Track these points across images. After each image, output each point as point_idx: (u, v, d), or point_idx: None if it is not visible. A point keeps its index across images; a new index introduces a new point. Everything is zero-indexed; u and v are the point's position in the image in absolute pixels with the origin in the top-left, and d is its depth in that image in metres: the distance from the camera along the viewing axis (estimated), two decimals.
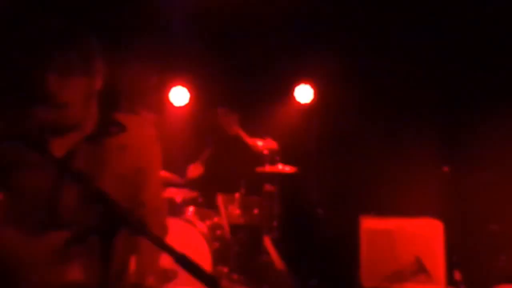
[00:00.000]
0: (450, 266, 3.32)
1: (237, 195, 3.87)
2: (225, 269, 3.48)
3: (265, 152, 4.08)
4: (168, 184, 4.08)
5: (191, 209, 3.73)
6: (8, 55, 1.14)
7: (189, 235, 3.34)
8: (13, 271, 1.13)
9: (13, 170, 1.19)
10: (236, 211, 3.85)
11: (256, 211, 3.97)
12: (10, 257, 1.14)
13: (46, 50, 1.12)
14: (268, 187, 4.03)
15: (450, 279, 3.31)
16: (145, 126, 1.41)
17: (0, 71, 1.16)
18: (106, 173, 1.25)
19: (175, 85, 5.22)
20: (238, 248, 3.74)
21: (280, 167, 3.96)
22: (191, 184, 4.28)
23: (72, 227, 1.16)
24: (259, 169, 4.00)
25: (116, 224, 0.93)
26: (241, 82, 4.95)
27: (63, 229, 1.15)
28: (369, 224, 3.49)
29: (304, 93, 5.04)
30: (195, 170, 4.28)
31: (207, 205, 3.96)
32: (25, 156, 1.17)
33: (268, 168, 3.89)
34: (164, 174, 3.45)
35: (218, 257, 3.40)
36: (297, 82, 5.06)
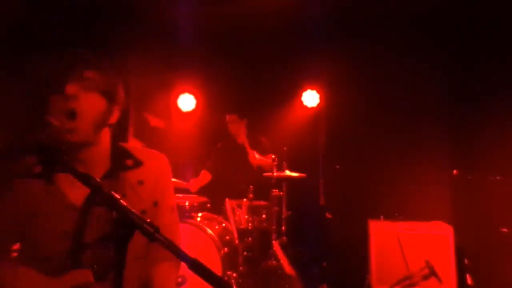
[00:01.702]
0: (462, 270, 3.29)
1: (245, 200, 3.87)
2: (234, 274, 3.48)
3: (264, 167, 4.11)
4: (177, 190, 4.11)
5: (199, 214, 3.74)
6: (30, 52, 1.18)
7: (198, 241, 3.35)
8: None
9: (36, 217, 1.21)
10: (244, 216, 3.85)
11: (264, 216, 3.97)
12: None
13: (67, 59, 1.16)
14: (276, 192, 4.03)
15: (461, 283, 3.28)
16: (160, 159, 1.42)
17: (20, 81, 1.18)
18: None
19: (182, 92, 5.26)
20: (247, 253, 3.73)
21: (288, 172, 3.96)
22: (199, 190, 4.30)
23: (92, 266, 1.18)
24: (267, 174, 4.00)
25: (129, 229, 0.94)
26: (249, 88, 4.98)
27: (85, 267, 1.18)
28: (379, 228, 3.48)
29: (310, 98, 5.05)
30: (199, 182, 4.32)
31: (215, 211, 3.97)
32: (49, 203, 1.20)
33: (275, 173, 3.89)
34: (173, 179, 3.47)
35: (227, 262, 3.40)
36: (304, 87, 5.08)
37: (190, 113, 5.30)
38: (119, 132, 1.39)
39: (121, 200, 0.98)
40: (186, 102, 5.26)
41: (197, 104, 5.29)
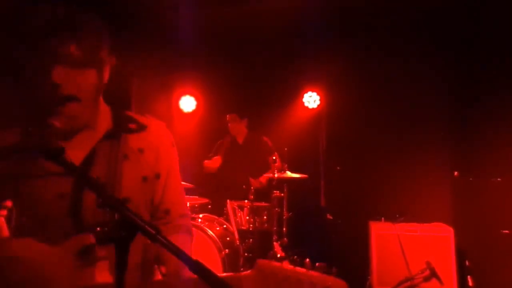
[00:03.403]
0: (463, 272, 3.29)
1: (246, 201, 3.87)
2: None
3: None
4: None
5: (200, 216, 3.74)
6: (11, 47, 1.10)
7: (199, 242, 3.35)
8: (40, 279, 1.09)
9: (31, 178, 1.17)
10: (245, 217, 3.86)
11: (265, 217, 3.97)
12: (35, 267, 1.10)
13: (51, 40, 1.07)
14: (276, 193, 4.03)
15: (462, 285, 3.28)
16: (163, 129, 1.37)
17: (6, 70, 1.14)
18: (127, 175, 1.23)
19: (183, 94, 5.27)
20: (247, 254, 3.73)
21: (289, 173, 3.96)
22: (200, 192, 4.31)
23: (94, 229, 1.14)
24: (268, 175, 4.01)
25: (131, 231, 0.94)
26: (250, 90, 4.99)
27: (86, 232, 1.13)
28: (379, 229, 3.48)
29: (311, 99, 5.07)
30: (214, 163, 4.31)
31: (216, 212, 3.97)
32: (43, 164, 1.15)
33: (276, 175, 3.89)
34: None
35: (228, 263, 3.40)
36: (305, 89, 5.09)
37: (191, 114, 5.32)
38: (122, 100, 1.35)
39: (120, 200, 0.98)
40: (187, 103, 5.27)
41: (198, 106, 5.30)
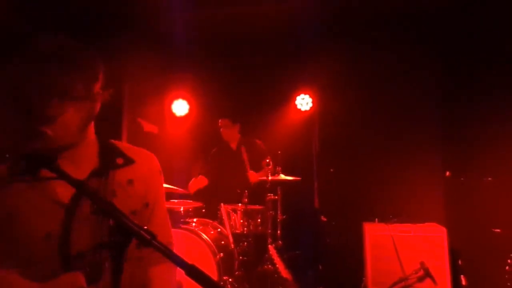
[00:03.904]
0: (456, 271, 3.32)
1: (240, 205, 3.87)
2: (230, 279, 3.48)
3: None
4: (171, 195, 4.10)
5: (195, 220, 3.73)
6: (11, 77, 1.09)
7: (194, 246, 3.34)
8: None
9: (18, 216, 1.14)
10: (239, 220, 3.86)
11: (259, 220, 3.97)
12: None
13: (50, 74, 1.08)
14: (270, 196, 4.04)
15: (455, 284, 3.30)
16: (150, 159, 1.36)
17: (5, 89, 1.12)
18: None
19: (176, 97, 5.26)
20: (242, 258, 3.73)
21: (282, 176, 3.97)
22: (194, 195, 4.30)
23: (84, 268, 1.13)
24: (262, 178, 4.01)
25: (126, 237, 0.94)
26: (243, 93, 5.00)
27: (75, 271, 1.13)
28: (373, 230, 3.49)
29: (304, 102, 5.09)
30: (198, 183, 4.30)
31: (210, 216, 3.96)
32: (32, 201, 1.14)
33: (270, 178, 3.90)
34: (166, 185, 3.47)
35: (223, 267, 3.39)
36: (297, 91, 5.11)
37: (183, 118, 5.31)
38: (112, 137, 1.36)
39: (116, 206, 0.98)
40: (180, 107, 5.27)
41: (190, 109, 5.30)
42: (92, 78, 1.15)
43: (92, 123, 1.24)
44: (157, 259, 1.30)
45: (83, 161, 1.22)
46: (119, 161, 1.27)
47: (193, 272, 0.90)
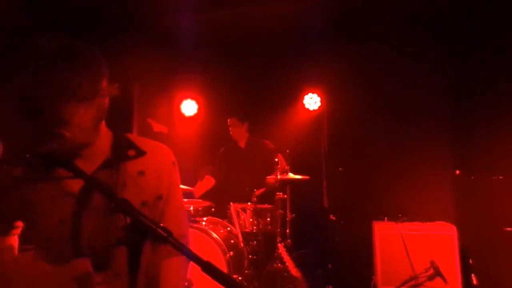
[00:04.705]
0: (466, 270, 3.31)
1: (249, 204, 3.89)
2: (240, 278, 3.50)
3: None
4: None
5: (204, 219, 3.76)
6: (16, 81, 1.11)
7: (204, 245, 3.37)
8: None
9: (37, 204, 1.21)
10: (249, 219, 3.87)
11: (268, 219, 3.99)
12: (35, 285, 1.16)
13: (51, 72, 1.08)
14: (279, 195, 4.05)
15: (466, 283, 3.29)
16: (163, 150, 1.38)
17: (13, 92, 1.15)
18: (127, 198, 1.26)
19: (185, 98, 5.30)
20: (252, 257, 3.75)
21: (291, 174, 3.98)
22: (203, 195, 4.33)
23: (93, 255, 1.18)
24: (270, 177, 4.02)
25: (143, 235, 0.97)
26: (251, 92, 5.01)
27: (85, 257, 1.17)
28: (383, 229, 3.49)
29: (312, 101, 5.09)
30: (204, 186, 4.34)
31: (220, 215, 3.99)
32: (46, 190, 1.20)
33: (279, 176, 3.91)
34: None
35: (233, 265, 3.41)
36: (305, 91, 5.11)
37: (192, 118, 5.34)
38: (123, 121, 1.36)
39: (131, 204, 1.00)
40: (189, 107, 5.30)
41: (199, 109, 5.33)
42: (99, 74, 1.16)
43: (103, 119, 1.27)
44: (170, 252, 1.32)
45: (97, 155, 1.26)
46: (131, 153, 1.29)
47: (208, 268, 0.92)
